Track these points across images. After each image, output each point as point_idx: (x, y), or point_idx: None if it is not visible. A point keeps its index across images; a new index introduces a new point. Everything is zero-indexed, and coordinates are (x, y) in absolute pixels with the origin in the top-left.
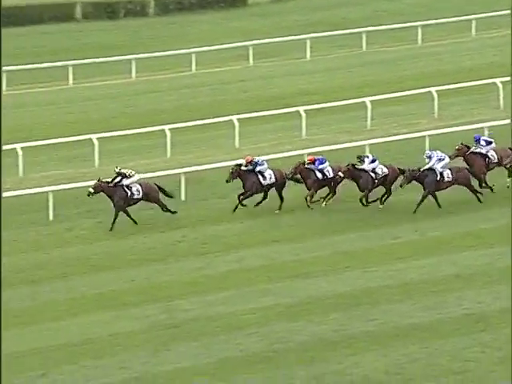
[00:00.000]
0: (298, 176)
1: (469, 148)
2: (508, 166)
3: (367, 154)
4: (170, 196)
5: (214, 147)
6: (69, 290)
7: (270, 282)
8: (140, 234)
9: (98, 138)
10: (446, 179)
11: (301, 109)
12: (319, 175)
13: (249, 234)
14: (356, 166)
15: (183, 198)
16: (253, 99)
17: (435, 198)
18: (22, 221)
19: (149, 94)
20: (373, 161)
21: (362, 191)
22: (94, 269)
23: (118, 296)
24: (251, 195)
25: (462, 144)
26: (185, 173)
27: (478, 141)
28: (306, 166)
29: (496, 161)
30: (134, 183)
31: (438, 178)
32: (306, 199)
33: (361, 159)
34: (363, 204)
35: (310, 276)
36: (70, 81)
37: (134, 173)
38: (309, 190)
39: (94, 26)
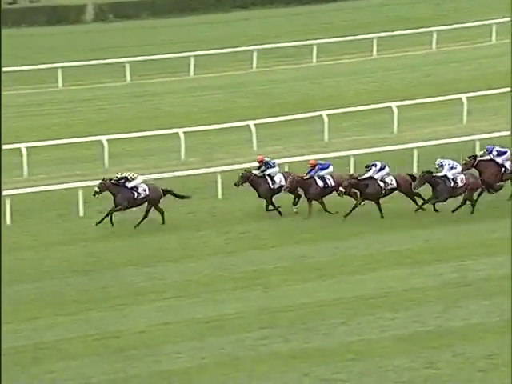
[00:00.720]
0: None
1: (475, 158)
2: None
3: (376, 162)
4: (182, 197)
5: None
6: (366, 247)
7: None
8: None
9: (397, 106)
10: (460, 185)
11: None
12: (320, 183)
13: None
14: (360, 177)
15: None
16: None
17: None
18: None
19: (448, 64)
20: (381, 168)
21: (371, 200)
22: (389, 228)
23: (413, 254)
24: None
25: (468, 158)
26: (479, 139)
27: (490, 152)
28: (305, 177)
29: None
30: (139, 184)
31: (452, 185)
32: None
33: (368, 168)
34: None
35: None
36: (374, 52)
37: (136, 175)
38: (309, 201)
39: None
